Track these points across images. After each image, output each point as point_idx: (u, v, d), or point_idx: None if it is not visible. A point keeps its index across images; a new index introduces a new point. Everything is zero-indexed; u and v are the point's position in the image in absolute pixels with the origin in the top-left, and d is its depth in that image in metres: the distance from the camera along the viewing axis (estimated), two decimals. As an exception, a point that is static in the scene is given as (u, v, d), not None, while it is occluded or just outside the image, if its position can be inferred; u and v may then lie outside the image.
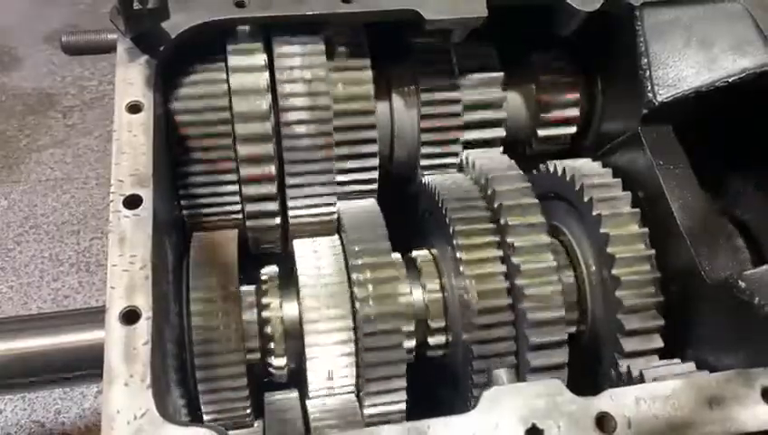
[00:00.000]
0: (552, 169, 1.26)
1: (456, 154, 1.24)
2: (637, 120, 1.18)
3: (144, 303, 0.72)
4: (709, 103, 1.17)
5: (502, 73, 1.25)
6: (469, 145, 1.26)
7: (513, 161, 1.24)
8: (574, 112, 1.31)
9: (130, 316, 0.71)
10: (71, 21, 2.81)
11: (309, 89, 1.04)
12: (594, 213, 1.13)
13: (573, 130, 1.33)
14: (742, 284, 0.97)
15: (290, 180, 1.04)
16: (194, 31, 0.94)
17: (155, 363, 0.69)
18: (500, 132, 1.26)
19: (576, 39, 1.24)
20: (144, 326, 0.70)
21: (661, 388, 0.77)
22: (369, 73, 1.12)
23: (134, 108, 0.86)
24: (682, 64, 1.15)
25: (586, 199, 1.15)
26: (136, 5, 0.84)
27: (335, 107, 1.06)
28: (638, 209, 1.14)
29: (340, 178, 1.11)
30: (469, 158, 1.25)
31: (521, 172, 1.21)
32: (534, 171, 1.31)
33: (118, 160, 0.81)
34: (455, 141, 1.23)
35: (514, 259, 1.10)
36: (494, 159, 1.24)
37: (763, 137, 1.26)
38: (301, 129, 1.02)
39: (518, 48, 1.32)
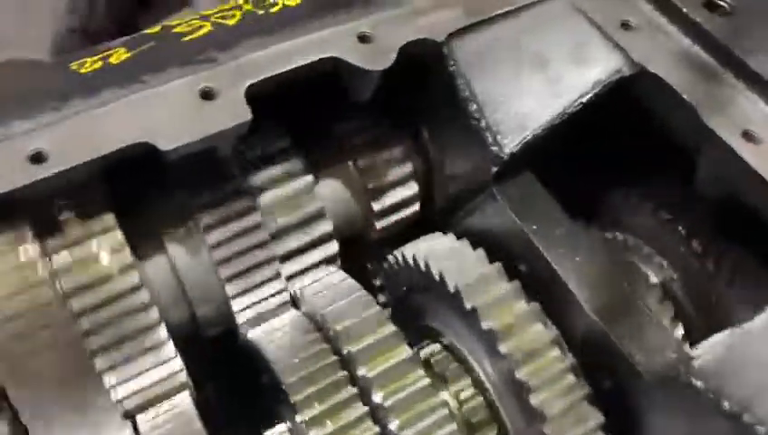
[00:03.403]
0: (401, 260, 0.97)
1: (281, 291, 0.93)
2: (488, 177, 0.91)
3: None
4: (568, 129, 0.91)
5: (310, 177, 0.95)
6: (295, 273, 0.94)
7: (352, 281, 0.93)
8: (411, 190, 1.02)
9: None
10: None
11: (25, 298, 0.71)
12: (468, 306, 0.85)
13: (416, 207, 1.04)
14: (693, 380, 0.71)
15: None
16: None
17: None
18: (328, 248, 0.96)
19: (388, 97, 0.96)
20: None
21: None
22: (116, 236, 0.78)
23: None
24: (520, 98, 0.88)
25: (452, 289, 0.86)
26: None
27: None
28: (516, 284, 0.87)
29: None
30: (300, 292, 0.94)
31: (364, 294, 0.91)
32: (384, 261, 1.03)
33: None
34: (273, 277, 0.91)
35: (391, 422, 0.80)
36: (329, 285, 0.93)
37: (637, 146, 1.02)
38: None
39: (322, 127, 1.02)
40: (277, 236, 0.91)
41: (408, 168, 1.01)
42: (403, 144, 1.02)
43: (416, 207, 1.04)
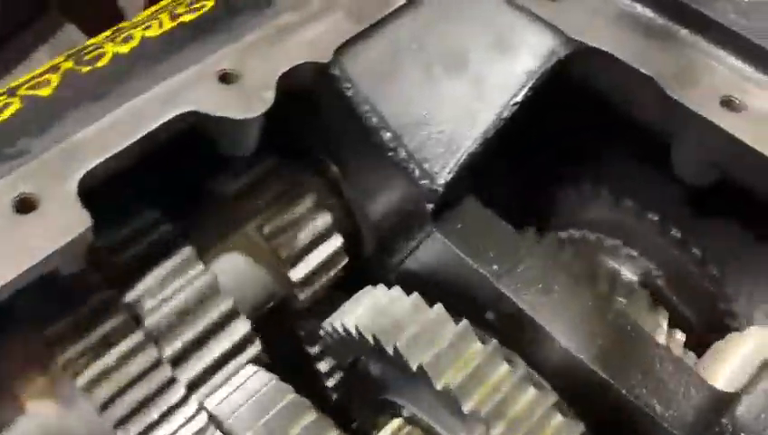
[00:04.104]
0: (332, 331, 0.79)
1: (191, 419, 0.71)
2: (424, 216, 0.72)
3: None
4: (507, 134, 0.73)
5: (189, 249, 0.73)
6: (205, 386, 0.73)
7: (278, 383, 0.73)
8: (334, 244, 0.82)
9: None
10: None
11: None
12: (413, 365, 0.68)
13: (344, 261, 0.84)
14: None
15: None
16: None
17: None
18: (243, 348, 0.75)
19: (282, 136, 0.76)
20: None
21: None
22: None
23: None
24: (442, 113, 0.69)
25: (390, 351, 0.70)
26: None
27: None
28: (464, 324, 0.70)
29: None
30: (216, 410, 0.73)
31: (294, 399, 0.71)
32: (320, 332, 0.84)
33: None
34: (178, 404, 0.70)
35: None
36: (251, 393, 0.72)
37: (595, 134, 0.85)
38: None
39: (201, 190, 0.81)
40: (171, 347, 0.70)
41: (324, 219, 0.81)
42: (312, 191, 0.82)
43: (343, 261, 0.84)
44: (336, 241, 0.84)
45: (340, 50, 0.68)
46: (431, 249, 0.76)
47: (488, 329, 0.74)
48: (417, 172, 0.68)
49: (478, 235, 0.72)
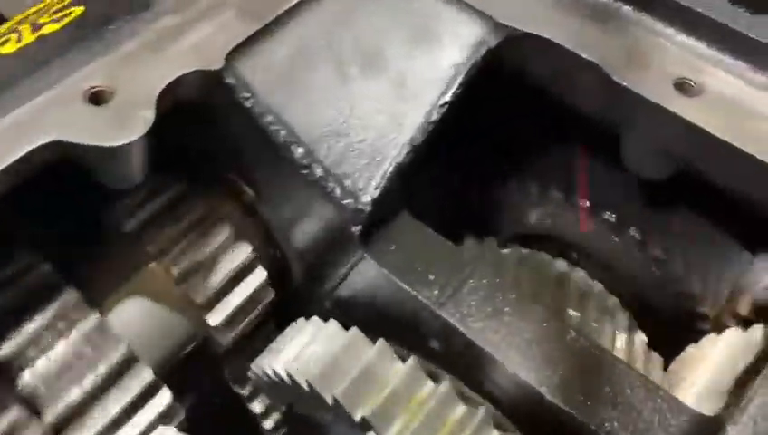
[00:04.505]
0: (263, 375, 0.70)
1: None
2: (352, 239, 0.62)
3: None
4: (439, 137, 0.64)
5: (72, 292, 0.62)
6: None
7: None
8: (257, 279, 0.71)
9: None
10: None
11: None
12: (357, 417, 0.59)
13: (271, 296, 0.73)
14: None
15: None
16: None
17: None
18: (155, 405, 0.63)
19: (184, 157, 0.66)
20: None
21: None
22: None
23: None
24: (362, 118, 0.60)
25: (330, 401, 0.60)
26: None
27: None
28: (411, 363, 0.60)
29: None
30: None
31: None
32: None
33: None
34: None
35: None
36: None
37: (534, 129, 0.77)
38: None
39: (93, 229, 0.69)
40: (52, 410, 0.58)
41: (243, 251, 0.70)
42: (227, 219, 0.71)
43: (269, 296, 0.74)
44: (258, 276, 0.73)
45: (233, 54, 0.57)
46: (364, 276, 0.66)
47: (436, 360, 0.64)
48: (337, 191, 0.59)
49: (415, 256, 0.63)
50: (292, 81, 0.59)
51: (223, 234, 0.72)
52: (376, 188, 0.59)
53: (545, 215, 0.87)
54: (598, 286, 0.83)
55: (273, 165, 0.63)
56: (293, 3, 0.62)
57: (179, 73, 0.55)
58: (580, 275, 0.87)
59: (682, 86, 0.58)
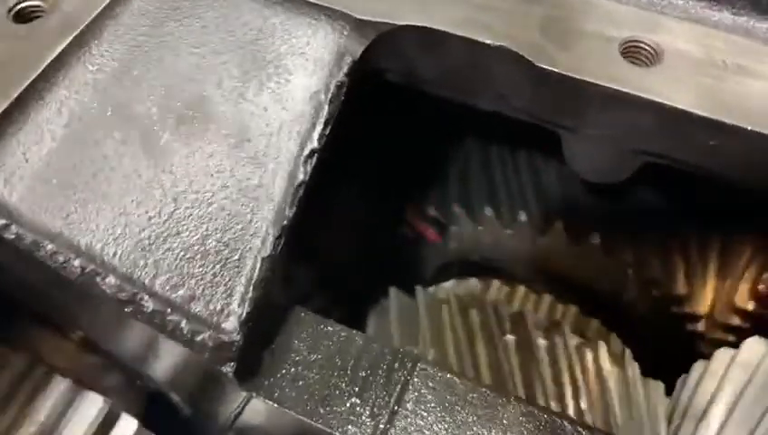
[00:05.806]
0: None
1: None
2: (228, 381, 0.42)
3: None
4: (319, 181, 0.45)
5: None
6: None
7: None
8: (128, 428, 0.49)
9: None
10: None
11: None
12: None
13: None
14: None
15: None
16: None
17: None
18: None
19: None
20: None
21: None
22: None
23: None
24: (198, 207, 0.40)
25: None
26: None
27: None
28: None
29: None
30: None
31: None
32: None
33: None
34: None
35: None
36: None
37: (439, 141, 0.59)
38: None
39: None
40: None
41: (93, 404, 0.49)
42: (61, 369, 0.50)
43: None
44: (131, 425, 0.52)
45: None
46: (258, 413, 0.47)
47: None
48: (184, 326, 0.38)
49: (325, 378, 0.43)
50: (71, 178, 0.38)
51: (60, 388, 0.51)
52: (241, 304, 0.39)
53: (477, 243, 0.69)
54: (571, 309, 0.66)
55: (88, 308, 0.42)
56: (56, 53, 0.41)
57: None
58: (545, 299, 0.70)
59: (633, 52, 0.41)
